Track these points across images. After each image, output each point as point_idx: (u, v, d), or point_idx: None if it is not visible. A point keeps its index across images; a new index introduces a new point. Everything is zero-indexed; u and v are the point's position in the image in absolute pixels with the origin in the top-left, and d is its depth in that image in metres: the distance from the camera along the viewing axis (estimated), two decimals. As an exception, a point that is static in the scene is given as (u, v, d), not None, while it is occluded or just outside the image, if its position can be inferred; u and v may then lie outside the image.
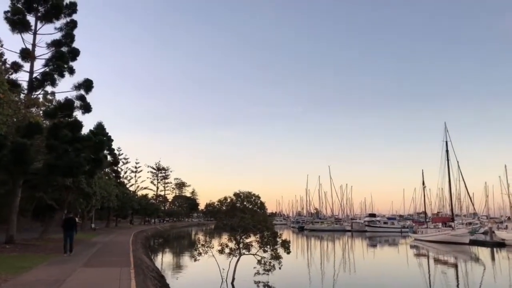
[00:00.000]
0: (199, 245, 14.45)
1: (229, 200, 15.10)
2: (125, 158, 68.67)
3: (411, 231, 50.75)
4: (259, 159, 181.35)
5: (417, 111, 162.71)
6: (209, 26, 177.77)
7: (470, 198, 52.84)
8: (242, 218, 13.85)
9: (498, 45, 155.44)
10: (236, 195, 15.11)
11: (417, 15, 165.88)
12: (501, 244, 34.75)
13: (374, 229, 65.85)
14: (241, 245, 13.99)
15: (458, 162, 43.03)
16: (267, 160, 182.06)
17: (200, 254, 14.06)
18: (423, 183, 53.89)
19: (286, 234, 54.04)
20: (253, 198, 15.16)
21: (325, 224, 74.38)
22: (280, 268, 13.31)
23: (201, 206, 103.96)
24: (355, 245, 40.94)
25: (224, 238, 14.81)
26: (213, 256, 13.81)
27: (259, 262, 13.50)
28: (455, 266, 23.34)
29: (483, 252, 30.74)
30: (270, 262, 13.36)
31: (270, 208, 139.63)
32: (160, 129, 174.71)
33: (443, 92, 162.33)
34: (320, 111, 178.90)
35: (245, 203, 15.09)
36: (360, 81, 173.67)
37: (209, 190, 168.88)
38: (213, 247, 14.13)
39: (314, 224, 75.73)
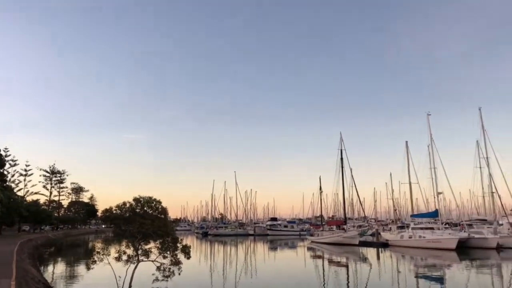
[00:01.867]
0: (94, 253, 13.65)
1: (128, 205, 14.50)
2: (13, 160, 62.46)
3: (309, 234, 53.63)
4: (166, 164, 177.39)
5: (317, 120, 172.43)
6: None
7: (361, 203, 57.58)
8: (142, 224, 13.41)
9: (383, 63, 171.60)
10: (136, 200, 14.57)
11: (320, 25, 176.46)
12: (385, 245, 38.47)
13: (275, 232, 68.28)
14: (139, 252, 13.54)
15: (351, 169, 46.67)
16: (173, 166, 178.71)
17: (94, 262, 13.27)
18: (320, 188, 57.40)
19: (189, 240, 53.48)
20: (154, 203, 14.74)
21: (229, 229, 75.16)
22: (179, 274, 13.15)
23: (101, 213, 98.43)
24: (256, 249, 42.01)
25: (123, 245, 14.17)
26: (109, 263, 13.17)
27: (158, 268, 13.19)
28: (346, 265, 25.23)
29: (370, 252, 33.64)
30: (169, 268, 13.12)
31: (175, 214, 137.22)
32: (59, 132, 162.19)
33: (340, 103, 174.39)
34: (224, 120, 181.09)
35: (145, 208, 14.62)
36: (260, 93, 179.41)
37: (110, 196, 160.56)
38: (110, 255, 13.46)
39: (218, 229, 76.08)
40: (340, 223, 48.80)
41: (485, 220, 49.43)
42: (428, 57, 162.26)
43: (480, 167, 41.75)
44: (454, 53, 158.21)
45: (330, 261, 27.78)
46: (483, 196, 44.94)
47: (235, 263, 26.31)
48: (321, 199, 58.77)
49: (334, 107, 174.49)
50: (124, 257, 13.55)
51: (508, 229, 38.25)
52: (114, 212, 14.65)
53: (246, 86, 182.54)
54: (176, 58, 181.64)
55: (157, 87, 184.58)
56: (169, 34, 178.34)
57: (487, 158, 40.61)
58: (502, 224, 40.22)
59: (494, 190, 40.73)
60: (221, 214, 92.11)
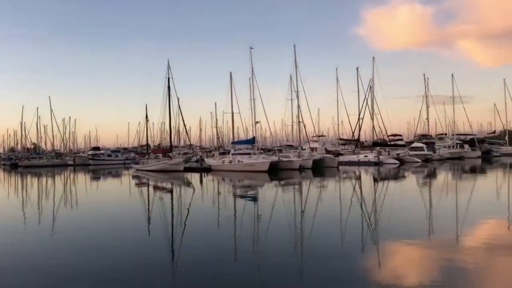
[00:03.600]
0: None
1: None
2: None
3: (134, 162, 53.07)
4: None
5: (144, 45, 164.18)
6: None
7: (187, 131, 59.35)
8: None
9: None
10: None
11: None
12: (208, 170, 41.13)
13: (98, 162, 65.51)
14: None
15: (178, 98, 46.93)
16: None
17: None
18: (147, 117, 56.43)
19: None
20: None
21: (44, 160, 68.60)
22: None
23: None
24: (77, 179, 39.78)
25: None
26: None
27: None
28: (171, 190, 26.23)
29: (194, 177, 35.59)
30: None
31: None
32: None
33: (169, 29, 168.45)
34: (35, 37, 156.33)
35: None
36: (79, 9, 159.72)
37: None
38: None
39: (30, 160, 68.69)
40: (166, 151, 49.51)
41: (292, 145, 57.13)
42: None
43: (291, 99, 47.12)
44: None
45: (155, 187, 28.37)
46: (292, 125, 51.30)
47: (51, 196, 24.50)
48: (147, 128, 58.08)
49: (162, 31, 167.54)
50: None
51: (309, 153, 45.10)
52: None
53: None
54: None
55: None
56: None
57: (297, 91, 45.96)
58: (304, 149, 47.15)
59: (301, 120, 46.82)
60: (33, 144, 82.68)
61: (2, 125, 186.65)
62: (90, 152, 72.09)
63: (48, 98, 71.36)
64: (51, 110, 70.20)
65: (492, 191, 21.97)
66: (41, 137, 76.68)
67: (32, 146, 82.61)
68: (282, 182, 28.54)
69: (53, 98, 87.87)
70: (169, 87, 43.53)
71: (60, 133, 76.57)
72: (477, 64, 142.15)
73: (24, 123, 75.98)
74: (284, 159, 40.42)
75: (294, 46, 46.12)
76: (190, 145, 75.41)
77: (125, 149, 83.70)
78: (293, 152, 47.27)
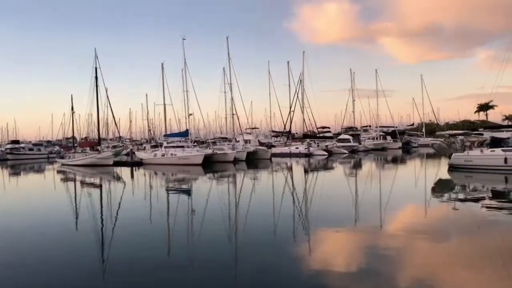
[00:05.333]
0: None
1: None
2: None
3: (59, 156, 50.11)
4: None
5: (70, 33, 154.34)
6: None
7: (116, 123, 57.13)
8: None
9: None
10: None
11: None
12: (139, 163, 39.93)
13: (18, 156, 60.85)
14: None
15: (106, 89, 44.96)
16: None
17: None
18: (72, 109, 53.32)
19: None
20: None
21: (-47, 155, 62.33)
22: None
23: None
24: (-7, 176, 36.75)
25: None
26: None
27: None
28: (100, 186, 25.14)
29: (125, 171, 34.38)
30: None
31: None
32: None
33: (95, 17, 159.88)
34: None
35: None
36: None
37: None
38: None
39: None
40: (94, 144, 47.24)
41: (226, 138, 57.23)
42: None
43: (225, 92, 47.10)
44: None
45: (83, 183, 27.07)
46: (226, 117, 51.28)
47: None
48: (73, 120, 54.76)
49: (90, 20, 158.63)
50: None
51: (243, 145, 45.49)
52: None
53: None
54: None
55: None
56: None
57: (230, 84, 46.02)
58: (238, 141, 47.45)
59: (234, 112, 47.01)
60: None
61: None
62: (9, 146, 66.57)
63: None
64: (-39, 100, 63.87)
65: (411, 179, 23.84)
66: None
67: None
68: (216, 175, 28.60)
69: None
70: (96, 77, 41.43)
71: (-28, 125, 70.04)
72: (397, 60, 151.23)
73: None
74: (218, 152, 40.43)
75: (227, 38, 46.07)
76: (120, 137, 72.68)
77: (48, 142, 78.43)
78: (227, 144, 47.43)
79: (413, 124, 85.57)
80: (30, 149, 64.66)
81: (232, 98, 46.31)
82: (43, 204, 17.13)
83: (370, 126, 73.55)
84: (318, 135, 57.73)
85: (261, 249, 8.35)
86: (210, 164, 35.94)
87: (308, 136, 54.60)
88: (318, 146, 50.76)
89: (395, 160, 41.61)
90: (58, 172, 35.71)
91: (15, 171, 39.70)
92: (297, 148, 49.79)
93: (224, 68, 46.94)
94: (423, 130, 70.94)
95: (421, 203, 14.38)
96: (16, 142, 70.89)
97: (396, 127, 71.43)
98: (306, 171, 31.37)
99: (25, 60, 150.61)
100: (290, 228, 10.58)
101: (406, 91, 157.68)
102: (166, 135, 47.16)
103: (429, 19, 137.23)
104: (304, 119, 56.01)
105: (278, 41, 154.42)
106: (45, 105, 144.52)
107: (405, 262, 7.44)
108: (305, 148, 48.10)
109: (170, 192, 20.50)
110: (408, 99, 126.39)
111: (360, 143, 58.49)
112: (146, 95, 72.87)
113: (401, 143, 63.11)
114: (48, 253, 8.62)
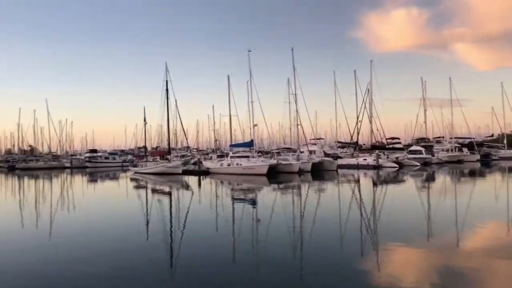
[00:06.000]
0: None
1: None
2: None
3: (132, 165, 52.89)
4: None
5: (142, 48, 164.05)
6: None
7: (185, 134, 59.48)
8: None
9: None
10: None
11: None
12: (206, 172, 40.98)
13: (95, 164, 65.25)
14: None
15: (176, 100, 46.89)
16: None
17: None
18: (145, 120, 56.20)
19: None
20: None
21: (41, 162, 68.35)
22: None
23: None
24: (74, 182, 39.58)
25: None
26: None
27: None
28: (169, 193, 26.08)
29: (193, 180, 35.38)
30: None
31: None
32: None
33: (167, 30, 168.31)
34: (32, 38, 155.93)
35: None
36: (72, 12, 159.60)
37: None
38: None
39: (27, 163, 68.40)
40: (164, 153, 49.37)
41: (291, 148, 57.02)
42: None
43: (289, 102, 47.11)
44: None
45: (154, 190, 28.23)
46: (290, 128, 51.21)
47: (49, 198, 24.34)
48: (145, 130, 57.75)
49: (160, 34, 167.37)
50: None
51: (308, 156, 44.97)
52: None
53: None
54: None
55: None
56: None
57: (295, 94, 45.97)
58: (303, 152, 47.03)
59: (298, 122, 46.78)
60: (30, 146, 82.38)
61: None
62: (87, 155, 71.70)
63: (45, 101, 71.28)
64: (48, 112, 70.34)
65: (491, 195, 21.91)
66: (37, 139, 76.48)
67: (28, 148, 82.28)
68: (281, 186, 28.42)
69: (50, 100, 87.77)
70: (167, 90, 43.52)
71: (57, 135, 76.45)
72: (473, 67, 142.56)
73: (21, 125, 75.96)
74: (283, 162, 40.32)
75: (292, 50, 46.23)
76: (188, 147, 75.26)
77: (122, 151, 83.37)
78: (292, 155, 47.16)
79: (492, 135, 79.44)
80: (106, 158, 69.14)
81: (296, 109, 46.14)
82: (117, 211, 18.06)
83: (443, 137, 69.44)
84: (387, 146, 55.53)
85: (328, 264, 8.00)
86: (274, 175, 35.88)
87: (377, 147, 52.75)
88: (387, 157, 48.75)
89: (473, 174, 38.69)
90: (131, 179, 37.64)
91: (93, 178, 42.44)
92: (365, 159, 48.19)
93: (288, 78, 47.10)
94: (505, 141, 65.69)
95: (504, 221, 13.08)
96: (94, 151, 76.12)
97: (474, 138, 66.66)
98: (375, 184, 30.13)
99: (101, 72, 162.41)
100: (358, 243, 10.07)
101: (483, 100, 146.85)
102: (231, 145, 48.00)
103: (507, 23, 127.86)
104: (372, 130, 54.28)
105: (343, 50, 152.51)
106: (120, 116, 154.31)
107: (481, 284, 6.70)
108: (374, 160, 46.40)
109: (236, 201, 20.66)
110: (486, 109, 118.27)
111: (433, 155, 55.20)
112: (213, 106, 75.44)
113: (480, 156, 58.78)
114: (121, 257, 8.95)
